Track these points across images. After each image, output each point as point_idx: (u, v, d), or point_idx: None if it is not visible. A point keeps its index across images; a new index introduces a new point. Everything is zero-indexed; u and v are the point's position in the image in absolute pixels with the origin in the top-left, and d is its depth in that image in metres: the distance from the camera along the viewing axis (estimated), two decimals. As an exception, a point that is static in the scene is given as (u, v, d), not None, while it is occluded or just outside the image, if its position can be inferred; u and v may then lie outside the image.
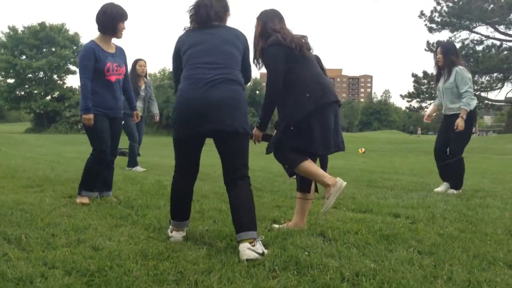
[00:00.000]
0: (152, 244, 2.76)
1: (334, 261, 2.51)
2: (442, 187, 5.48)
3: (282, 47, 3.10)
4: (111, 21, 4.01)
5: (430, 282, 2.24)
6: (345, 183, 3.09)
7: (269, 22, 3.23)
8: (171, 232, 2.99)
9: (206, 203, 4.25)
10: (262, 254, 2.57)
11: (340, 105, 3.34)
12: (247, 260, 2.49)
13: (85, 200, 4.05)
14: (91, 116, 4.02)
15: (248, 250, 2.56)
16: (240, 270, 2.34)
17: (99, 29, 4.10)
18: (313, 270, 2.36)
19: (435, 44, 22.74)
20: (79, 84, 4.07)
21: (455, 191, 5.27)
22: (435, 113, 6.09)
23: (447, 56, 5.33)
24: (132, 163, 7.61)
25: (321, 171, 3.19)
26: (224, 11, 3.01)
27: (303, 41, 3.22)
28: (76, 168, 7.59)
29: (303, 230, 3.22)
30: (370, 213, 4.01)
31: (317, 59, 3.92)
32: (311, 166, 3.17)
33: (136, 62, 7.54)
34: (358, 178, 6.92)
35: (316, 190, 3.49)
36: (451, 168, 5.36)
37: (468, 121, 5.20)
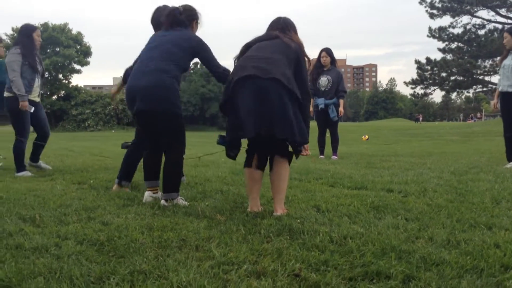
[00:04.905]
0: (157, 219, 2.96)
1: (325, 227, 2.71)
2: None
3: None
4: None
5: (411, 242, 2.43)
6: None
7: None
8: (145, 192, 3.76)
9: (209, 185, 4.46)
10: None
11: (270, 79, 2.98)
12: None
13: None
14: None
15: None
16: (238, 237, 2.55)
17: None
18: (304, 235, 2.55)
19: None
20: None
21: None
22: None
23: None
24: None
25: (251, 192, 3.23)
26: (190, 19, 3.71)
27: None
28: (84, 160, 7.85)
29: (299, 204, 3.42)
30: (365, 189, 4.20)
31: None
32: (246, 177, 3.28)
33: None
34: (358, 161, 7.10)
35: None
36: None
37: None
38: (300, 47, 3.24)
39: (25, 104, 5.21)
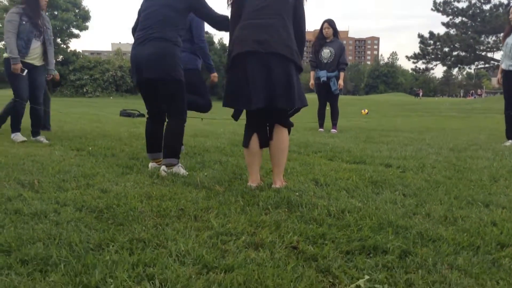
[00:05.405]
0: (156, 188, 2.97)
1: (323, 201, 2.71)
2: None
3: None
4: None
5: (409, 217, 2.44)
6: None
7: None
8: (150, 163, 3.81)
9: (208, 156, 4.45)
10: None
11: (273, 54, 2.90)
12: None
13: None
14: None
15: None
16: (236, 208, 2.55)
17: None
18: (302, 208, 2.56)
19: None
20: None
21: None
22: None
23: None
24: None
25: (251, 167, 3.14)
26: None
27: None
28: (82, 126, 7.83)
29: (297, 177, 3.42)
30: (363, 164, 4.20)
31: None
32: (246, 155, 3.18)
33: None
34: (357, 135, 7.09)
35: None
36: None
37: None
38: None
39: (16, 67, 5.09)
